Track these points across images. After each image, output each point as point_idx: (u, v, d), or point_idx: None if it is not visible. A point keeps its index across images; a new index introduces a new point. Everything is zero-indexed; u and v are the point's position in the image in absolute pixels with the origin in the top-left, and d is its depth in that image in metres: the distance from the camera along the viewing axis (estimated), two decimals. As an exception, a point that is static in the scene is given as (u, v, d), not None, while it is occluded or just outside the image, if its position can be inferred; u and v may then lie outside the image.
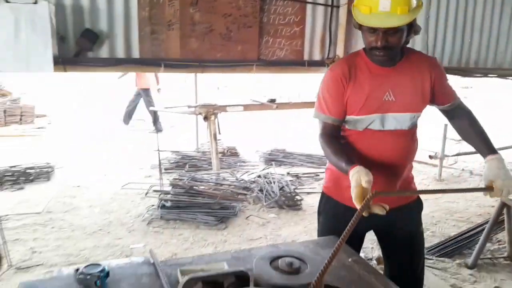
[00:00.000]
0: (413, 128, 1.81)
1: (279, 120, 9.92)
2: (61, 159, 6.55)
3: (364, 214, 1.37)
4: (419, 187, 2.09)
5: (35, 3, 2.15)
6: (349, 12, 2.68)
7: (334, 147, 1.71)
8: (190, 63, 2.58)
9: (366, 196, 1.41)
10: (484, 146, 1.71)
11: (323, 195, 2.01)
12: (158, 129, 8.34)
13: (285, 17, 2.70)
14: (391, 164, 1.77)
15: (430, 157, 5.83)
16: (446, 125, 5.78)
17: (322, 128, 1.80)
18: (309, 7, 2.75)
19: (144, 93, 8.69)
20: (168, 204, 4.23)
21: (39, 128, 9.30)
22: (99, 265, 1.43)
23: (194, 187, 4.41)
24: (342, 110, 1.75)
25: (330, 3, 2.78)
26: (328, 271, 1.21)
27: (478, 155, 1.76)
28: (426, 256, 3.51)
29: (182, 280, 1.28)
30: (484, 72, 3.38)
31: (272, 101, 5.41)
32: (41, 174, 5.58)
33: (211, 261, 1.58)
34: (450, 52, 3.23)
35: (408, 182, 1.92)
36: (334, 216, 1.92)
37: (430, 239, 3.89)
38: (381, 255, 3.43)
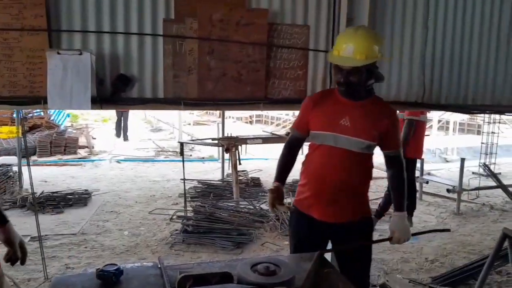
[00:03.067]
0: (363, 153, 2.11)
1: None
2: (98, 186, 7.13)
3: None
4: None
5: (80, 54, 2.66)
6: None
7: (284, 159, 2.27)
8: (206, 102, 2.99)
9: (276, 203, 2.11)
10: (396, 202, 2.18)
11: (293, 208, 2.32)
12: (125, 139, 12.07)
13: (289, 62, 3.08)
14: (339, 178, 2.09)
15: (448, 190, 5.91)
16: (463, 159, 5.89)
17: (289, 138, 2.33)
18: (311, 53, 3.12)
19: (125, 113, 12.01)
20: (190, 229, 4.57)
21: (80, 158, 10.05)
22: (115, 265, 1.78)
23: (214, 214, 4.75)
24: (305, 127, 2.19)
25: (329, 49, 3.13)
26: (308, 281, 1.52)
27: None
28: (430, 285, 3.66)
29: (178, 277, 1.61)
30: (482, 108, 3.58)
31: (289, 134, 5.74)
32: (79, 200, 6.11)
33: (207, 267, 1.89)
34: (447, 90, 3.46)
35: (360, 202, 2.22)
36: (297, 223, 2.26)
37: (438, 269, 4.00)
38: (385, 282, 3.61)
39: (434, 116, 12.05)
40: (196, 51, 2.89)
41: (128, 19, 2.86)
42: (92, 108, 2.68)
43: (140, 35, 2.86)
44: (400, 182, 2.19)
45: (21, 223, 4.97)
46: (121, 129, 12.22)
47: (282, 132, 6.39)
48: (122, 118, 12.12)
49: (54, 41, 2.71)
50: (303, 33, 3.07)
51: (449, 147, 11.82)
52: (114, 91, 2.89)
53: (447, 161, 11.04)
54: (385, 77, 2.98)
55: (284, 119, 18.01)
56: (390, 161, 2.21)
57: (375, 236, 2.41)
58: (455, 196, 5.91)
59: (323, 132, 2.10)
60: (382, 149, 2.19)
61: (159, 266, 1.88)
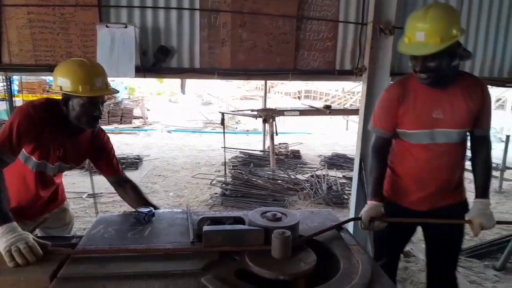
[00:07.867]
0: (462, 141, 1.93)
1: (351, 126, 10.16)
2: (149, 153, 7.67)
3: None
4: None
5: (126, 27, 2.96)
6: (374, 29, 3.10)
7: (378, 170, 2.01)
8: (238, 72, 3.21)
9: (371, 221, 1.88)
10: (480, 187, 1.92)
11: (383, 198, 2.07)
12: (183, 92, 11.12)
13: (319, 34, 3.19)
14: (440, 173, 1.95)
15: (491, 168, 5.75)
16: (508, 136, 5.70)
17: (374, 140, 2.05)
18: (340, 25, 3.21)
19: None
20: (228, 192, 4.90)
21: (134, 127, 10.75)
22: (148, 207, 2.10)
23: (251, 180, 5.04)
24: (392, 126, 1.96)
25: (360, 21, 3.21)
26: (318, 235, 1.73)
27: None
28: (455, 256, 3.71)
29: (198, 218, 1.89)
30: (519, 82, 3.48)
31: (327, 107, 5.85)
32: (132, 164, 6.66)
33: (226, 214, 2.15)
34: (481, 62, 3.41)
35: (457, 185, 2.04)
36: (389, 213, 1.97)
37: (468, 243, 4.01)
38: (410, 250, 3.73)
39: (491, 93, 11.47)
40: (229, 24, 3.10)
41: (168, -6, 3.12)
42: (136, 76, 3.00)
43: (179, 9, 3.11)
44: (486, 166, 1.94)
45: (80, 182, 5.57)
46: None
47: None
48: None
49: (103, 15, 3.03)
50: (333, 5, 3.17)
51: (506, 126, 11.23)
52: (156, 61, 3.19)
53: (502, 141, 10.54)
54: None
55: (333, 94, 17.85)
56: (477, 142, 1.95)
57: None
58: (496, 173, 5.76)
59: (418, 131, 1.90)
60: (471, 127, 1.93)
61: (186, 212, 2.19)
